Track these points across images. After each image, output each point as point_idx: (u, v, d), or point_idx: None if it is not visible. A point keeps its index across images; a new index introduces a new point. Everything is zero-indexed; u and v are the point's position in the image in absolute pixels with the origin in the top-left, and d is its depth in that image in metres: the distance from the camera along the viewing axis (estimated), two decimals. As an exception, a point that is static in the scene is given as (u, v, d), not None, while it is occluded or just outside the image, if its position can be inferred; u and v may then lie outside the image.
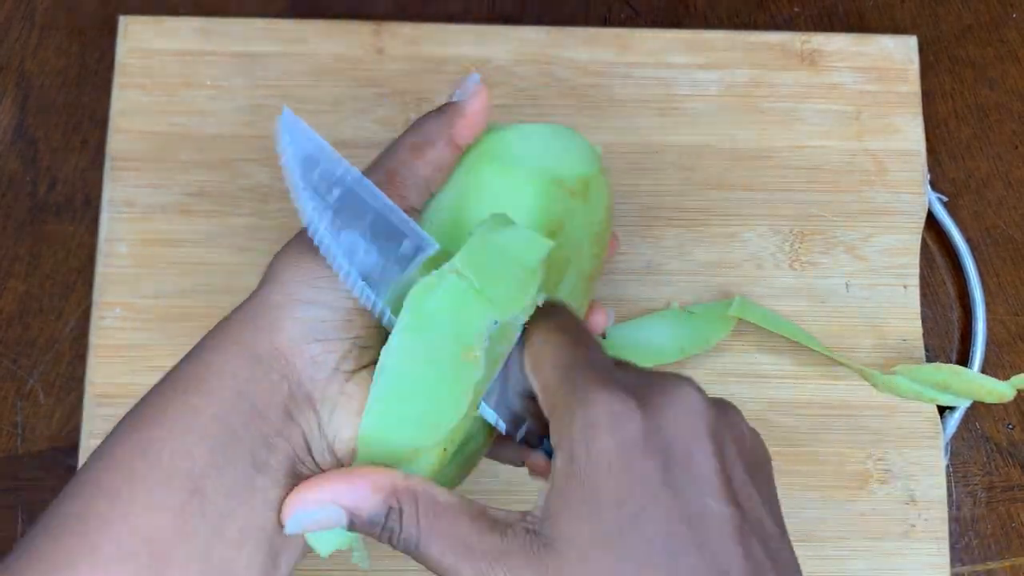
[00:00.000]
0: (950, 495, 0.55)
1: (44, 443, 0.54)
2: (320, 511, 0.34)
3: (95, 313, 0.54)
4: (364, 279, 0.35)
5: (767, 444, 0.54)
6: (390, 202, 0.36)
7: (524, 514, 0.33)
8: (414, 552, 0.34)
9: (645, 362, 0.54)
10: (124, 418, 0.36)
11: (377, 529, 0.34)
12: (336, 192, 0.36)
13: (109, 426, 0.52)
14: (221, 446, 0.34)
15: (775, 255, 0.56)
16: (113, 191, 0.56)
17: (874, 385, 0.54)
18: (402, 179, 0.38)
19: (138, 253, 0.55)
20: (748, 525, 0.32)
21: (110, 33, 0.59)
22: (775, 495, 0.35)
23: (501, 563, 0.32)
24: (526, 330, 0.36)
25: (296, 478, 0.35)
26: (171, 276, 0.55)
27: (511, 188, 0.40)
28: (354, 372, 0.36)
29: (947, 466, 0.54)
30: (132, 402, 0.54)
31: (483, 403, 0.37)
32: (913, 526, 0.53)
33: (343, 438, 0.36)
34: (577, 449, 0.32)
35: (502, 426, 0.37)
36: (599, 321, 0.43)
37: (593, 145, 0.42)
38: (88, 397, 0.53)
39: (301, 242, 0.37)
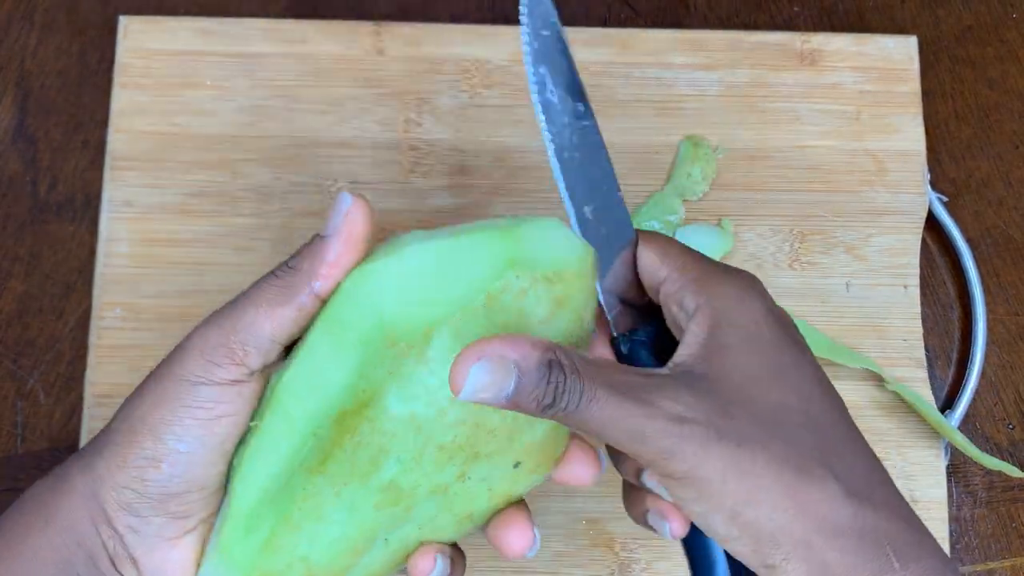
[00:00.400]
0: (950, 495, 0.54)
1: (44, 443, 0.54)
2: (494, 366, 0.32)
3: (95, 313, 0.54)
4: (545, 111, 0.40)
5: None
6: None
7: (663, 367, 0.36)
8: (577, 410, 0.33)
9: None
10: None
11: (542, 387, 0.33)
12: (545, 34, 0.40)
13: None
14: None
15: (775, 255, 0.56)
16: (113, 191, 0.56)
17: (884, 379, 0.54)
18: (241, 343, 0.36)
19: (138, 253, 0.55)
20: None
21: (110, 33, 0.59)
22: None
23: (663, 391, 0.34)
24: (639, 240, 0.39)
25: None
26: (171, 276, 0.55)
27: (329, 355, 0.36)
28: (179, 538, 0.38)
29: (947, 466, 0.54)
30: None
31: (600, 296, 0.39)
32: (913, 526, 0.53)
33: None
34: (728, 306, 0.36)
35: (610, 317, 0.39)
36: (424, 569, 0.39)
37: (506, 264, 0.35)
38: (88, 397, 0.53)
39: (129, 428, 0.37)
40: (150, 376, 0.38)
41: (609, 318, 0.39)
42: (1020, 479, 0.55)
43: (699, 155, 0.56)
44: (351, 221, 0.36)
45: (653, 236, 0.39)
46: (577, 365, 0.33)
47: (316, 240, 0.37)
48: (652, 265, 0.38)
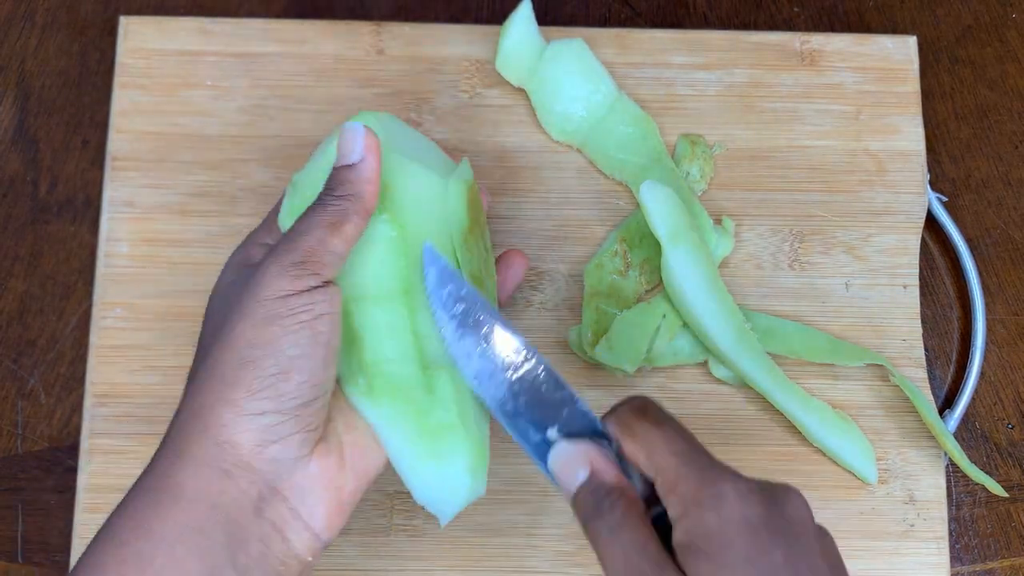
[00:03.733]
0: (950, 495, 0.55)
1: (44, 443, 0.54)
2: (577, 455, 0.40)
3: (95, 313, 0.54)
4: (475, 378, 0.42)
5: (768, 444, 0.54)
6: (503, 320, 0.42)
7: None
8: (600, 542, 0.39)
9: (638, 364, 0.54)
10: (106, 528, 0.38)
11: (595, 497, 0.39)
12: (460, 307, 0.42)
13: (109, 426, 0.53)
14: (205, 556, 0.37)
15: (775, 255, 0.56)
16: (114, 191, 0.56)
17: (889, 372, 0.53)
18: (319, 259, 0.40)
19: (138, 253, 0.55)
20: None
21: (110, 33, 0.59)
22: None
23: None
24: (626, 424, 0.39)
25: (269, 569, 0.39)
26: (171, 276, 0.55)
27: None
28: (312, 451, 0.40)
29: (947, 466, 0.54)
30: (132, 402, 0.54)
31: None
32: (913, 526, 0.53)
33: (319, 514, 0.40)
34: (707, 516, 0.36)
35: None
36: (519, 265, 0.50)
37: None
38: (88, 397, 0.53)
39: (243, 360, 0.39)
40: (234, 320, 0.40)
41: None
42: (1019, 479, 0.55)
43: (697, 153, 0.56)
44: (370, 147, 0.42)
45: (638, 424, 0.39)
46: (623, 513, 0.38)
47: (345, 173, 0.42)
48: (638, 462, 0.39)
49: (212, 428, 0.38)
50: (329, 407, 0.41)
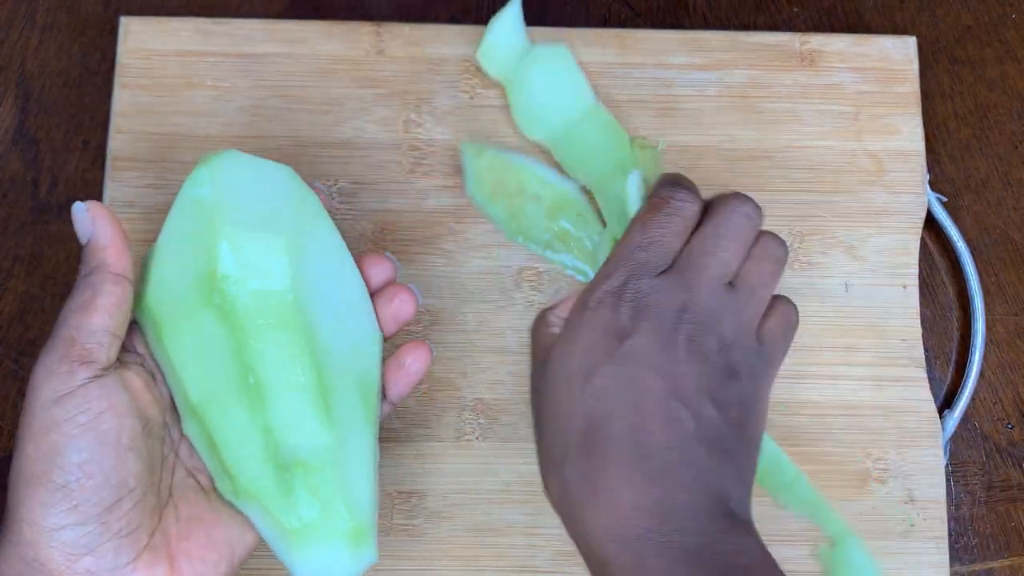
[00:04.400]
0: (949, 495, 0.55)
1: (45, 443, 0.54)
2: None
3: (96, 313, 0.54)
4: None
5: (767, 444, 0.54)
6: None
7: None
8: None
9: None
10: None
11: None
12: None
13: (109, 426, 0.52)
14: None
15: (775, 255, 0.56)
16: (114, 192, 0.56)
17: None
18: (82, 345, 0.38)
19: (139, 254, 0.55)
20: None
21: (111, 33, 0.59)
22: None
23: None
24: None
25: None
26: (171, 276, 0.54)
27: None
28: (136, 560, 0.38)
29: (946, 466, 0.54)
30: (132, 402, 0.53)
31: None
32: (913, 526, 0.53)
33: None
34: None
35: None
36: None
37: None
38: (89, 397, 0.53)
39: (30, 475, 0.37)
40: (19, 431, 0.38)
41: None
42: (1019, 479, 0.55)
43: (647, 157, 0.54)
44: (97, 218, 0.41)
45: None
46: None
47: (85, 248, 0.41)
48: None
49: (18, 546, 0.37)
50: (161, 514, 0.40)
